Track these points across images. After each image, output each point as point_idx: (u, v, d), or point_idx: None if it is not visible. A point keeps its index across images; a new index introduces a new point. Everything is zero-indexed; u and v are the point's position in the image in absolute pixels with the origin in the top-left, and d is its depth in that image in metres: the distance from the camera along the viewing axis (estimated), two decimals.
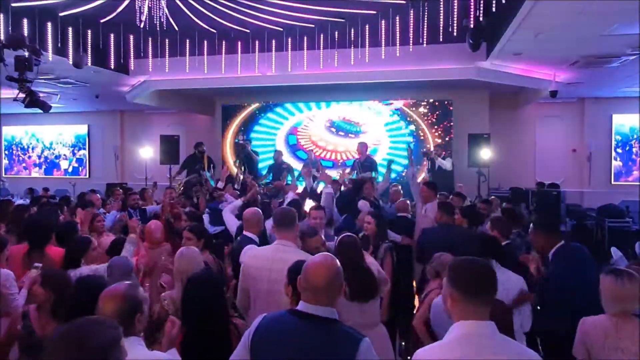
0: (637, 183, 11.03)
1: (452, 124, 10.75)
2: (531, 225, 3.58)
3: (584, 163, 11.59)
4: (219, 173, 10.88)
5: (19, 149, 15.42)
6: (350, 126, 11.35)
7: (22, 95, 4.85)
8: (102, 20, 7.65)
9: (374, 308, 3.14)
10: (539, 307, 3.29)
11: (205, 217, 5.97)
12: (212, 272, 2.75)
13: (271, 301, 2.97)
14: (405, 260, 4.85)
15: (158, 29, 7.20)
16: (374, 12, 7.40)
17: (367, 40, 8.02)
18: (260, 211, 4.07)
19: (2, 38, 6.78)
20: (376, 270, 3.34)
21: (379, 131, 11.15)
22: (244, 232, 3.90)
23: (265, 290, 2.99)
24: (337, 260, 2.05)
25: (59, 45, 7.73)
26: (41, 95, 11.29)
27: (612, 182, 11.60)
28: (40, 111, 13.98)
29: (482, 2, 6.22)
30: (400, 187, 7.15)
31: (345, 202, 5.56)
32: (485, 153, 9.62)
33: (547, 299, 3.28)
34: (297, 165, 10.30)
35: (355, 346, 1.86)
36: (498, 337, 1.78)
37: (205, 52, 8.89)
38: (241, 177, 8.63)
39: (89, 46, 8.22)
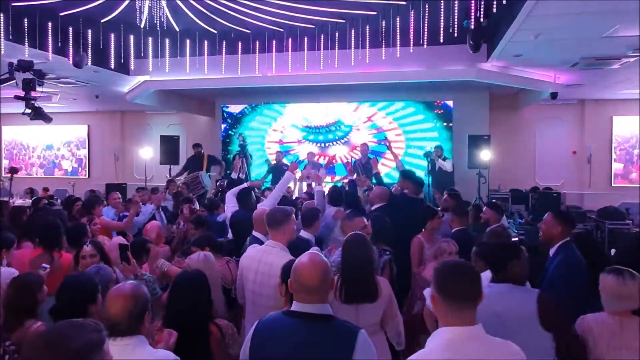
0: (637, 185, 11.02)
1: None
2: (548, 214, 3.62)
3: (584, 165, 11.59)
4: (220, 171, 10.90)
5: (18, 148, 15.41)
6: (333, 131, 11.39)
7: (28, 110, 5.55)
8: (102, 20, 7.64)
9: (379, 311, 2.98)
10: None
11: None
12: (201, 273, 2.74)
13: (255, 301, 3.17)
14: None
15: (158, 29, 7.20)
16: (375, 12, 7.40)
17: (367, 41, 8.02)
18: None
19: (2, 38, 6.81)
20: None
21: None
22: (253, 233, 3.89)
23: (250, 290, 3.18)
24: (324, 257, 2.07)
25: (59, 44, 7.72)
26: (41, 95, 11.39)
27: (612, 184, 11.59)
28: None
29: (482, 3, 6.20)
30: None
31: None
32: (485, 154, 9.61)
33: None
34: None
35: (353, 339, 1.88)
36: (483, 340, 1.75)
37: (205, 52, 8.88)
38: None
39: (89, 46, 8.22)
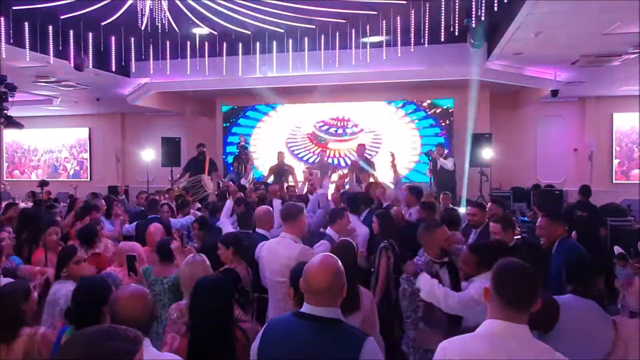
0: (638, 182, 11.01)
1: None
2: (542, 219, 3.64)
3: (585, 162, 11.58)
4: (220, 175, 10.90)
5: (20, 152, 15.42)
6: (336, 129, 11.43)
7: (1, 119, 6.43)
8: (103, 23, 7.64)
9: (357, 321, 2.86)
10: None
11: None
12: (220, 278, 2.74)
13: (271, 287, 3.44)
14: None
15: (159, 31, 7.20)
16: (375, 12, 7.40)
17: (368, 41, 8.02)
18: (271, 209, 4.14)
19: (3, 41, 6.83)
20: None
21: (378, 130, 11.20)
22: (257, 230, 4.02)
23: (268, 278, 3.47)
24: (338, 260, 2.05)
25: (60, 48, 7.72)
26: (41, 98, 11.42)
27: (614, 181, 11.59)
28: (41, 114, 14.07)
29: (483, 1, 6.21)
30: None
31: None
32: (487, 153, 9.61)
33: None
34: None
35: (359, 346, 1.87)
36: (531, 343, 1.76)
37: (206, 54, 8.89)
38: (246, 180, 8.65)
39: (90, 49, 8.22)
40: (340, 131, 11.48)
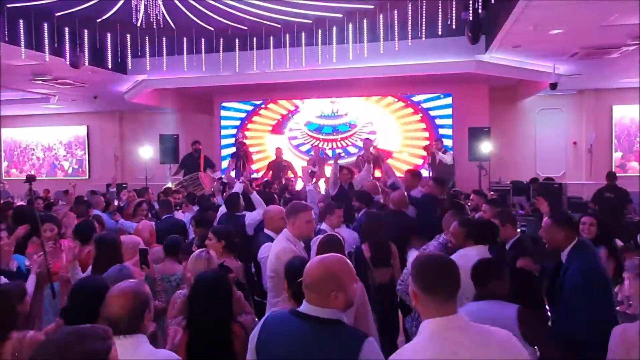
0: (638, 174, 10.98)
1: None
2: (547, 220, 3.23)
3: (584, 155, 11.56)
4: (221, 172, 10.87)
5: (18, 150, 15.40)
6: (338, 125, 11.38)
7: None
8: (98, 20, 7.60)
9: (351, 313, 2.76)
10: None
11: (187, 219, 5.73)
12: (220, 273, 2.73)
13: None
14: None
15: (155, 27, 7.16)
16: (372, 6, 7.36)
17: (365, 35, 7.98)
18: (283, 210, 4.12)
19: None
20: None
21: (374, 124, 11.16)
22: (265, 230, 4.00)
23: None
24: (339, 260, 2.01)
25: (56, 45, 7.69)
26: (39, 96, 11.38)
27: None
28: (39, 113, 14.03)
29: None
30: None
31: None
32: (486, 147, 9.58)
33: (569, 304, 2.98)
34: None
35: (358, 345, 1.83)
36: (470, 328, 1.73)
37: (203, 50, 8.85)
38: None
39: (86, 46, 8.18)
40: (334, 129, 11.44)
